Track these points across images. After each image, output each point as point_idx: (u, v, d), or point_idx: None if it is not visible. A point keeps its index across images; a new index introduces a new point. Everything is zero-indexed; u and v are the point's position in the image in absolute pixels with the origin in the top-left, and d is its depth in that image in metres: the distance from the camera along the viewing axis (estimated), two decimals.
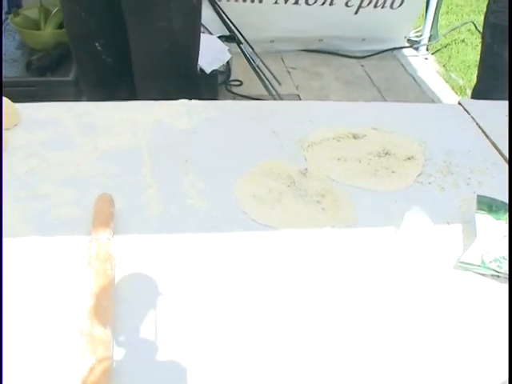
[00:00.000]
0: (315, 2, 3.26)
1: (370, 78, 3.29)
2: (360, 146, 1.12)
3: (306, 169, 1.03)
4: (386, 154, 1.10)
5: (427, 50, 3.85)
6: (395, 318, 0.78)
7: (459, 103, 1.32)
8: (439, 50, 3.83)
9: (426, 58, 3.72)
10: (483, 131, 1.22)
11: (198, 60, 1.74)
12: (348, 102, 1.32)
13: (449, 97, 3.15)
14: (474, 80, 2.01)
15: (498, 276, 0.86)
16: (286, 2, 3.22)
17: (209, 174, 1.00)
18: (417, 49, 3.81)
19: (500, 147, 1.16)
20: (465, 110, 1.29)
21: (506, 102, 1.31)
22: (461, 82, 3.37)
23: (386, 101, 2.88)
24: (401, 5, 3.45)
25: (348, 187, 1.01)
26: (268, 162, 1.04)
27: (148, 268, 0.81)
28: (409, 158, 1.10)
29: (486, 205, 0.95)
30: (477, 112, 1.27)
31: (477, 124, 1.24)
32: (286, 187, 0.99)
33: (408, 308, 0.81)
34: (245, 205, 0.95)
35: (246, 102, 1.26)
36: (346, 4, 3.32)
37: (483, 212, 0.93)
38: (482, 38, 1.83)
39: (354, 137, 1.14)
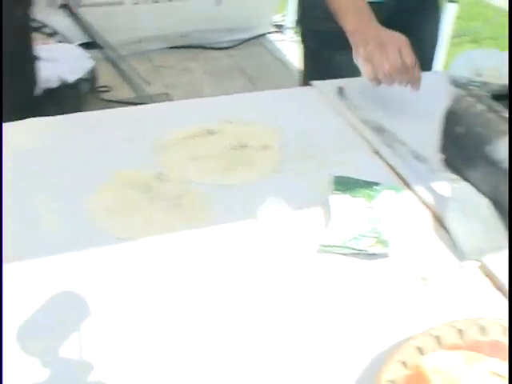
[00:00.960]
0: None
1: (239, 67, 3.30)
2: (215, 142, 1.11)
3: (162, 173, 1.01)
4: (242, 146, 1.10)
5: (295, 32, 3.88)
6: (267, 309, 0.78)
7: (310, 84, 1.33)
8: None
9: (293, 41, 3.75)
10: (339, 111, 1.23)
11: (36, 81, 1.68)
12: (201, 99, 1.31)
13: None
14: None
15: (358, 253, 0.87)
16: (145, 2, 3.18)
17: (60, 192, 0.97)
18: (284, 33, 3.85)
19: (357, 126, 1.17)
20: (319, 91, 1.30)
21: (357, 79, 1.33)
22: None
23: (256, 90, 2.89)
24: None
25: (206, 186, 1.00)
26: (122, 172, 1.02)
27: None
28: (265, 148, 1.10)
29: (343, 184, 0.96)
30: (330, 92, 1.29)
31: (331, 104, 1.25)
32: (142, 195, 0.97)
33: (278, 295, 0.81)
34: (101, 219, 0.92)
35: (93, 112, 1.22)
36: None
37: (339, 192, 0.94)
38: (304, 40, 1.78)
39: (209, 133, 1.13)
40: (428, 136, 1.08)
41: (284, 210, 0.93)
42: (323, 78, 1.41)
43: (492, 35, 4.41)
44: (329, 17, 1.41)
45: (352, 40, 1.27)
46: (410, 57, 1.19)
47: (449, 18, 3.40)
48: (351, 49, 1.29)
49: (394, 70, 1.18)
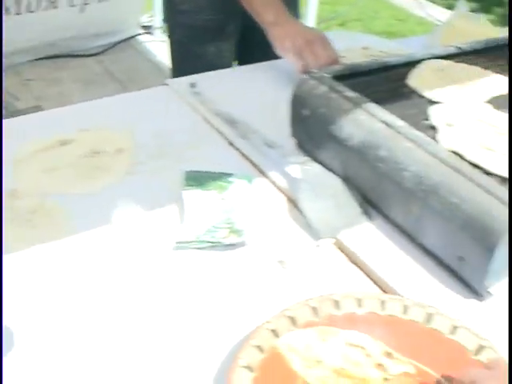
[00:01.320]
0: (38, 9, 3.16)
1: (109, 72, 3.26)
2: (69, 152, 1.09)
3: (16, 189, 0.99)
4: (96, 152, 1.08)
5: (164, 32, 3.87)
6: (130, 310, 0.78)
7: (165, 84, 1.33)
8: None
9: (163, 41, 3.74)
10: (193, 106, 1.23)
11: None
12: (57, 109, 1.28)
13: None
14: None
15: (214, 246, 0.88)
16: (8, 14, 3.09)
17: None
18: (152, 33, 3.83)
19: (211, 120, 1.18)
20: (174, 89, 1.30)
21: (210, 73, 1.35)
22: None
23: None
24: None
25: (63, 197, 0.98)
26: None
27: None
28: (120, 152, 1.09)
29: (194, 179, 0.96)
30: (184, 89, 1.29)
31: (184, 101, 1.26)
32: None
33: (139, 295, 0.80)
34: None
35: None
36: (71, 4, 3.25)
37: (191, 187, 0.95)
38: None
39: (63, 143, 1.11)
40: (281, 123, 1.10)
41: (137, 212, 0.92)
42: (193, 72, 1.43)
43: (358, 17, 4.54)
44: (198, 10, 1.55)
45: (273, 33, 1.35)
46: (334, 53, 1.31)
47: (312, 3, 3.48)
48: (221, 41, 1.51)
49: (324, 66, 1.23)
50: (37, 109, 2.79)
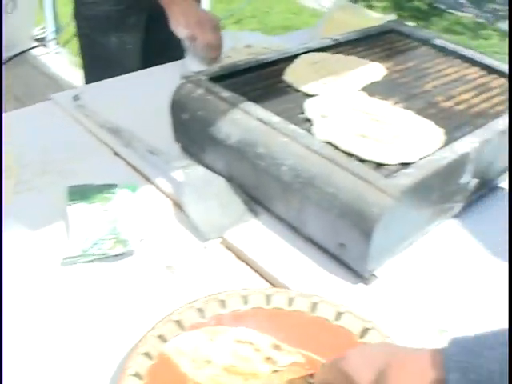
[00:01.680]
0: None
1: (6, 88, 3.18)
2: None
3: None
4: None
5: (57, 43, 3.81)
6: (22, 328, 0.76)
7: (50, 98, 1.31)
8: (70, 40, 3.80)
9: (57, 52, 3.68)
10: (78, 121, 1.22)
11: None
12: None
13: None
14: None
15: (101, 258, 0.87)
16: None
17: None
18: (46, 45, 3.76)
19: (95, 132, 1.18)
20: (57, 103, 1.29)
21: (92, 85, 1.34)
22: None
23: None
24: (15, 7, 3.37)
25: None
26: None
27: None
28: (6, 171, 1.07)
29: (77, 194, 0.96)
30: (67, 102, 1.28)
31: (69, 114, 1.25)
32: None
33: (29, 313, 0.80)
34: None
35: None
36: None
37: (75, 202, 0.94)
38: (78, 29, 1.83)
39: None
40: (165, 128, 1.10)
41: (24, 231, 0.91)
42: (101, 67, 1.60)
43: (252, 14, 4.58)
44: (100, 1, 1.65)
45: (170, 10, 1.45)
46: (220, 38, 1.44)
47: (205, 2, 3.49)
48: (123, 31, 1.65)
49: (211, 46, 1.42)
50: None
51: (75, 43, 3.23)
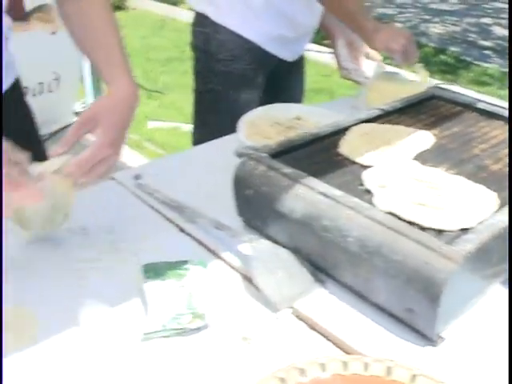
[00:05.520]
0: None
1: None
2: None
3: None
4: None
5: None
6: None
7: (113, 178, 1.38)
8: None
9: None
10: (141, 199, 1.28)
11: None
12: None
13: None
14: None
15: (180, 332, 0.92)
16: None
17: None
18: None
19: (159, 209, 1.23)
20: (118, 182, 1.35)
21: (152, 163, 1.41)
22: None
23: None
24: (58, 86, 3.50)
25: (29, 302, 1.01)
26: None
27: None
28: None
29: (152, 271, 1.01)
30: (128, 181, 1.34)
31: (132, 193, 1.31)
32: None
33: None
34: None
35: None
36: None
37: (150, 279, 0.99)
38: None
39: None
40: (225, 203, 1.16)
41: (101, 310, 0.96)
42: (219, 123, 1.76)
43: None
44: (233, 59, 1.86)
45: (377, 37, 1.73)
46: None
47: None
48: (251, 89, 1.90)
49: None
50: None
51: None
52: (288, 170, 1.06)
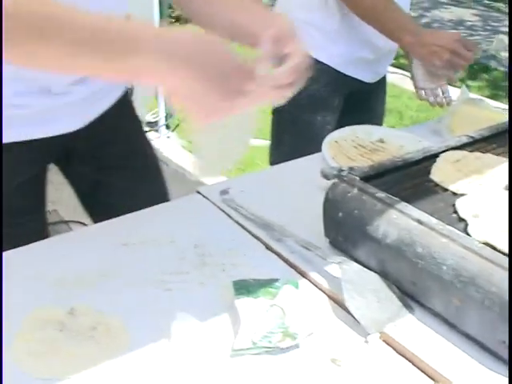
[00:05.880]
0: None
1: None
2: None
3: (73, 308, 1.04)
4: None
5: (167, 128, 3.99)
6: None
7: (198, 192, 1.40)
8: (178, 125, 3.99)
9: (168, 137, 3.86)
10: (227, 214, 1.30)
11: None
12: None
13: None
14: None
15: (270, 350, 0.93)
16: None
17: None
18: (157, 130, 3.95)
19: (245, 225, 1.25)
20: (204, 196, 1.38)
21: (239, 179, 1.43)
22: None
23: None
24: (131, 95, 3.56)
25: (119, 312, 1.03)
26: (32, 312, 1.04)
27: None
28: None
29: (244, 288, 1.02)
30: (215, 196, 1.36)
31: (218, 207, 1.33)
32: (58, 333, 0.99)
33: None
34: (21, 364, 0.94)
35: None
36: None
37: (241, 296, 1.01)
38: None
39: None
40: (312, 223, 1.17)
41: (192, 324, 0.98)
42: (295, 144, 1.80)
43: None
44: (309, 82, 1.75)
45: (417, 51, 1.73)
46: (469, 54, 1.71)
47: None
48: (327, 111, 1.94)
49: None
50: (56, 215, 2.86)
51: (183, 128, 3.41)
52: (381, 194, 1.06)
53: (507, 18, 9.28)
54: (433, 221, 0.99)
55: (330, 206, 1.11)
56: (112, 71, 0.91)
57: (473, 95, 1.90)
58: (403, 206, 1.03)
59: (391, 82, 5.11)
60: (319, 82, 1.90)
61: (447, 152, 1.27)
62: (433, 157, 1.25)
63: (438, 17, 9.61)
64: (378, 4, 1.72)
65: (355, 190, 1.09)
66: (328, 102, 1.99)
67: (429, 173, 1.19)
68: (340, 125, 1.85)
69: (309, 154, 1.56)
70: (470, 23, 9.32)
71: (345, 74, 1.95)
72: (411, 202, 1.05)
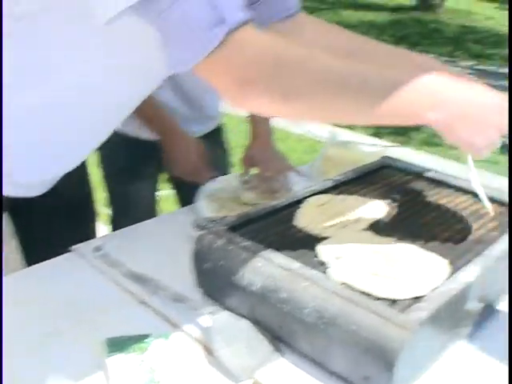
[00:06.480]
0: None
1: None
2: None
3: None
4: None
5: None
6: None
7: (71, 250, 1.39)
8: None
9: None
10: (101, 271, 1.30)
11: None
12: None
13: None
14: None
15: None
16: None
17: None
18: None
19: (119, 281, 1.25)
20: (79, 254, 1.37)
21: (114, 234, 1.43)
22: None
23: None
24: None
25: None
26: None
27: None
28: None
29: (116, 345, 1.02)
30: (89, 253, 1.36)
31: (92, 265, 1.32)
32: None
33: None
34: None
35: None
36: None
37: (114, 353, 1.01)
38: None
39: None
40: (186, 275, 1.18)
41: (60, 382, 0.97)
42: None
43: (236, 144, 4.73)
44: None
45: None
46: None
47: None
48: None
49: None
50: None
51: None
52: (246, 243, 1.09)
53: None
54: (295, 265, 1.02)
55: (198, 258, 1.13)
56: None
57: (341, 138, 1.97)
58: (267, 253, 1.06)
59: (277, 125, 5.24)
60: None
61: (313, 196, 1.32)
62: (299, 202, 1.29)
63: None
64: None
65: (221, 241, 1.11)
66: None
67: (294, 218, 1.23)
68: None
69: None
70: None
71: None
72: (276, 248, 1.09)
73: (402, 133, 6.03)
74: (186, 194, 1.67)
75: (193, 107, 1.88)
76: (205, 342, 1.07)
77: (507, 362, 1.02)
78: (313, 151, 4.01)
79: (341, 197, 1.33)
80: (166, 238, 1.43)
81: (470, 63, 10.31)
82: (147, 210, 1.98)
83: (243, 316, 1.08)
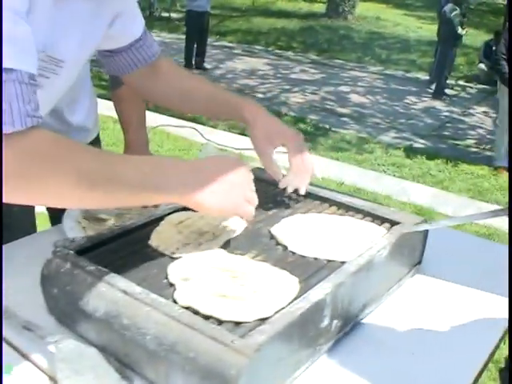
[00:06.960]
0: None
1: None
2: None
3: None
4: None
5: None
6: None
7: None
8: None
9: None
10: None
11: None
12: None
13: None
14: None
15: None
16: None
17: None
18: None
19: None
20: None
21: None
22: None
23: None
24: None
25: None
26: None
27: None
28: None
29: None
30: None
31: None
32: None
33: None
34: None
35: None
36: None
37: None
38: None
39: None
40: (39, 302, 1.14)
41: None
42: None
43: None
44: None
45: None
46: None
47: None
48: None
49: None
50: None
51: None
52: (92, 267, 1.06)
53: (296, 65, 9.84)
54: (137, 290, 1.00)
55: (46, 283, 1.10)
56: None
57: (216, 150, 1.94)
58: (111, 277, 1.03)
59: (181, 135, 5.22)
60: None
61: (172, 214, 1.29)
62: (158, 220, 1.27)
63: (232, 67, 9.99)
64: None
65: (68, 265, 1.08)
66: None
67: (149, 238, 1.20)
68: None
69: None
70: (262, 72, 9.75)
71: None
72: (125, 271, 1.06)
73: (309, 139, 6.09)
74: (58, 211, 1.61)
75: (59, 119, 1.82)
76: (50, 372, 1.03)
77: (368, 375, 1.02)
78: None
79: (200, 214, 1.30)
80: (29, 260, 1.38)
81: (378, 68, 10.56)
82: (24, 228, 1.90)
83: (93, 343, 1.05)
